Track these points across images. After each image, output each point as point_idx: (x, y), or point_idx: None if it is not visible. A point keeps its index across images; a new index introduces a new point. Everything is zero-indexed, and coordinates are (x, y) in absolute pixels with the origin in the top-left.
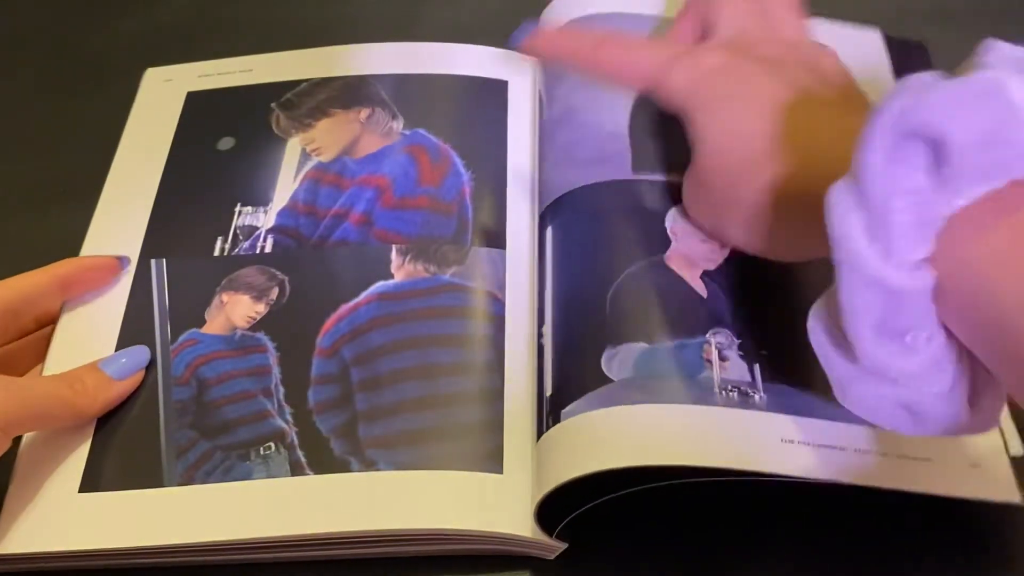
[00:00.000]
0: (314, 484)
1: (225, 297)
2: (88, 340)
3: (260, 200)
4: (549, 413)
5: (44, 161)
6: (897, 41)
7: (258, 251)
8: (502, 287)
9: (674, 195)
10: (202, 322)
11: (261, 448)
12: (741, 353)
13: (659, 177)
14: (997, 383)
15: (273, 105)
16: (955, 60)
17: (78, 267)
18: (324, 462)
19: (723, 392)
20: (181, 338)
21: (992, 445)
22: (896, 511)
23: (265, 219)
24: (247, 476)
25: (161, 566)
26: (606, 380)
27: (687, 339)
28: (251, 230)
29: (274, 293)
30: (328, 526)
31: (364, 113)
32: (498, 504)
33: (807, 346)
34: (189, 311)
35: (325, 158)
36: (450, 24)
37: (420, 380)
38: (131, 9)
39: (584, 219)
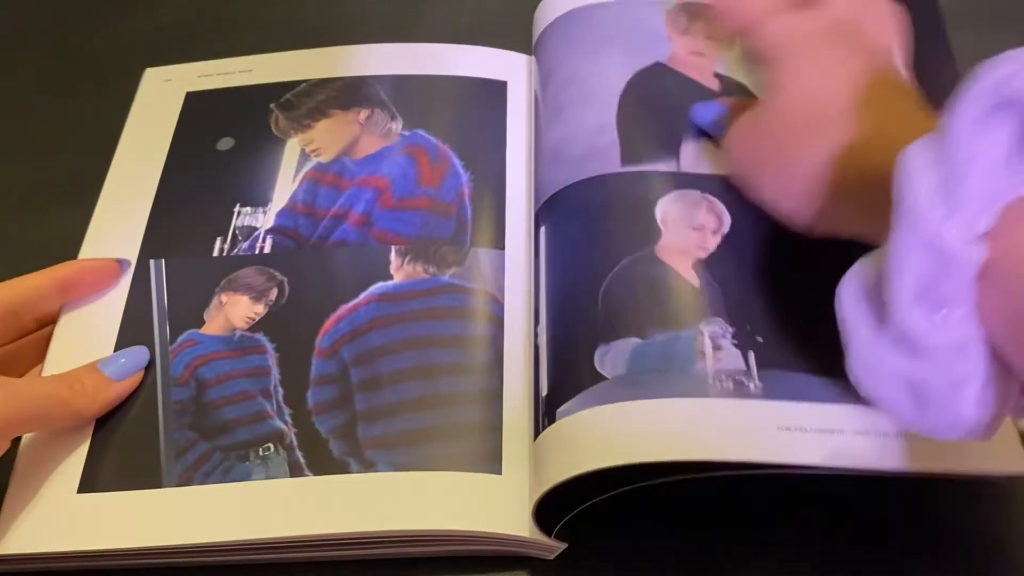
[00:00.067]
0: (313, 485)
1: (224, 298)
2: (87, 340)
3: (259, 200)
4: (545, 413)
5: (44, 161)
6: None
7: (257, 252)
8: (501, 288)
9: (665, 185)
10: (201, 323)
11: (260, 449)
12: (735, 342)
13: (648, 168)
14: (1009, 398)
15: (272, 106)
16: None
17: (78, 270)
18: (323, 463)
19: (718, 382)
20: (180, 339)
21: None
22: (896, 511)
23: (264, 220)
24: (246, 477)
25: (160, 567)
26: (600, 378)
27: (679, 331)
28: (250, 230)
29: (273, 294)
30: (327, 527)
31: (363, 114)
32: (497, 505)
33: (804, 327)
34: (188, 312)
35: (324, 159)
36: (450, 24)
37: (419, 381)
38: (131, 9)
39: (574, 217)
